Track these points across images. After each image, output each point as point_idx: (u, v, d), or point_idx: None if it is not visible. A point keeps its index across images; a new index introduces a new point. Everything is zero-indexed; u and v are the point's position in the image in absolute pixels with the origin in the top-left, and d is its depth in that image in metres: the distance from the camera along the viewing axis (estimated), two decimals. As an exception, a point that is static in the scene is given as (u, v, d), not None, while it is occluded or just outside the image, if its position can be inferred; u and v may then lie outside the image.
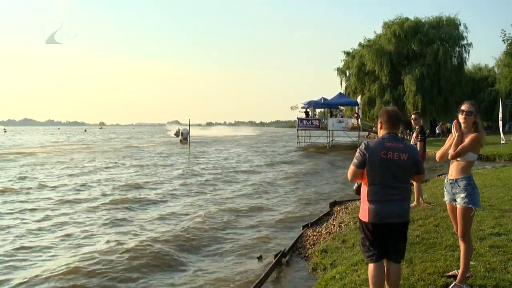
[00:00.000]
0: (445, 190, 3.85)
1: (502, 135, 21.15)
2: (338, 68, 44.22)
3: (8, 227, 7.79)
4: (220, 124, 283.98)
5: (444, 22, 37.97)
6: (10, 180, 14.04)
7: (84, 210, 9.29)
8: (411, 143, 6.49)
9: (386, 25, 38.96)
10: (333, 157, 22.72)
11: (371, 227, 3.17)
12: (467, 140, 3.63)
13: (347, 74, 43.78)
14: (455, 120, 3.74)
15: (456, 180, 3.69)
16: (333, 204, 8.75)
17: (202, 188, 12.58)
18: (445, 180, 3.86)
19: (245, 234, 7.40)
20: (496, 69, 47.41)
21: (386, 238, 3.19)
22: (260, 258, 5.95)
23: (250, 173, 16.48)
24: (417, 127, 7.54)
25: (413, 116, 7.53)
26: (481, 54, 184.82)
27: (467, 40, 37.93)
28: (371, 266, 3.23)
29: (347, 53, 43.16)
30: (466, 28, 37.81)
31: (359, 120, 29.78)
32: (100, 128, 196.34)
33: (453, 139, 3.71)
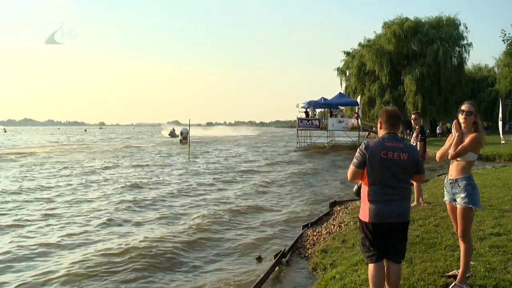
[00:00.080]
0: (445, 190, 3.85)
1: (502, 135, 21.17)
2: (338, 68, 44.23)
3: (8, 227, 7.80)
4: (220, 124, 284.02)
5: (444, 22, 37.97)
6: (10, 180, 14.04)
7: (84, 210, 9.29)
8: (411, 143, 6.49)
9: (386, 25, 38.95)
10: (333, 157, 22.71)
11: (371, 227, 3.17)
12: (467, 140, 3.63)
13: (347, 74, 43.76)
14: (455, 120, 3.73)
15: (456, 180, 3.69)
16: (333, 204, 8.75)
17: (202, 188, 12.58)
18: (445, 180, 3.86)
19: (245, 234, 7.40)
20: (496, 69, 47.40)
21: (386, 238, 3.19)
22: (260, 258, 5.95)
23: (250, 173, 16.48)
24: (417, 127, 7.54)
25: (413, 116, 7.53)
26: (481, 54, 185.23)
27: (467, 40, 38.01)
28: (371, 266, 3.23)
29: (347, 53, 43.15)
30: (466, 28, 37.90)
31: (359, 120, 29.76)
32: (100, 128, 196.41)
33: (453, 139, 3.71)
